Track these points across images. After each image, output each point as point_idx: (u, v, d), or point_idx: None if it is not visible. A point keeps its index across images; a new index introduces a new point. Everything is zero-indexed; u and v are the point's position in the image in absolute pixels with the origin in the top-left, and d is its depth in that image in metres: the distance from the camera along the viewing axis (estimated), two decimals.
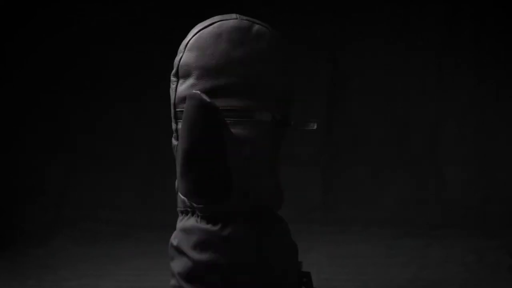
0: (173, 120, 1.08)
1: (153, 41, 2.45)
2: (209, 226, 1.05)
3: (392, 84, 2.45)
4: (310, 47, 2.45)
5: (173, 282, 1.10)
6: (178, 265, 1.09)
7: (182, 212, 1.09)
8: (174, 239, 1.10)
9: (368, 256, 1.96)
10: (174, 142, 1.08)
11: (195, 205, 1.05)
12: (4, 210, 2.30)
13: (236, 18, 1.06)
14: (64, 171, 2.42)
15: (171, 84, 1.09)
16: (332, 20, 2.46)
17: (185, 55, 1.07)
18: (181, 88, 1.07)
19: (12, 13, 2.40)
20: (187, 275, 1.07)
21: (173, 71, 1.08)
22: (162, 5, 2.45)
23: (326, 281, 1.72)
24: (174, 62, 1.08)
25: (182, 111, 1.05)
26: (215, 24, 1.06)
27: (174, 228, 1.13)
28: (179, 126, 1.05)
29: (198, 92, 1.01)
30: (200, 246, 1.05)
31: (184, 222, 1.08)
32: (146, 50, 2.44)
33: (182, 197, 1.08)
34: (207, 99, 1.00)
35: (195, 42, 1.06)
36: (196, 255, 1.05)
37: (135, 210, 2.34)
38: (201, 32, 1.07)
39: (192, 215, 1.07)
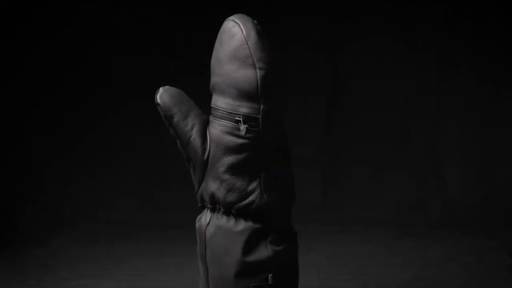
0: None
1: (153, 41, 2.45)
2: (197, 217, 1.15)
3: (392, 84, 2.45)
4: (310, 47, 2.45)
5: None
6: None
7: None
8: None
9: (368, 256, 1.96)
10: None
11: None
12: (4, 210, 2.30)
13: (232, 20, 1.08)
14: (64, 171, 2.42)
15: None
16: (332, 20, 2.45)
17: None
18: None
19: (12, 13, 2.40)
20: None
21: None
22: (162, 5, 2.45)
23: (326, 281, 1.72)
24: None
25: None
26: (222, 25, 1.10)
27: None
28: None
29: (160, 88, 1.12)
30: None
31: None
32: (146, 50, 2.44)
33: None
34: (156, 96, 1.11)
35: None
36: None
37: (135, 210, 2.34)
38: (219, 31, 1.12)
39: None
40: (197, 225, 1.13)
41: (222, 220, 1.09)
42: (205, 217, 1.11)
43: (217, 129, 1.08)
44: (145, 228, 2.24)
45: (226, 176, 1.08)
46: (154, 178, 2.44)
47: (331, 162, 2.43)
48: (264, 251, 1.08)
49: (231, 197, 1.08)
